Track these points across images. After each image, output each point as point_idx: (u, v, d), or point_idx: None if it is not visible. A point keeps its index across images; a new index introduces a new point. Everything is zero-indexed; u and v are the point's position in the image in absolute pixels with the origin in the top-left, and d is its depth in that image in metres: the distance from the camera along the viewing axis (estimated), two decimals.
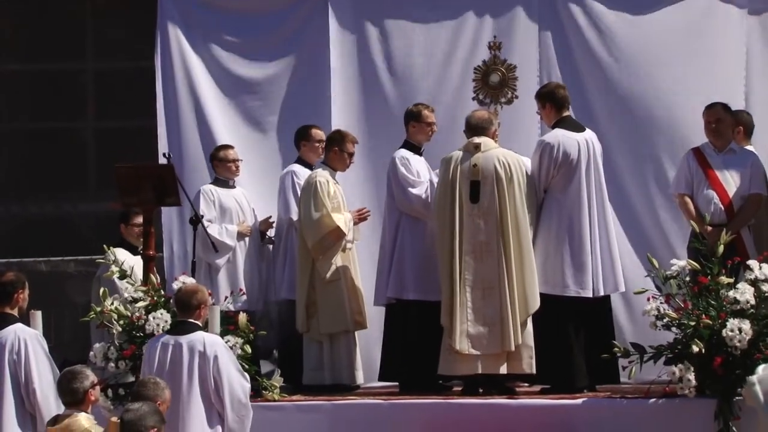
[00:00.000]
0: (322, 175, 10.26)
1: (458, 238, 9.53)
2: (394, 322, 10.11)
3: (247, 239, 10.72)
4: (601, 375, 9.62)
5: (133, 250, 10.53)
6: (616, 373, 9.53)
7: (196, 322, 8.55)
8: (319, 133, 10.65)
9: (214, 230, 10.47)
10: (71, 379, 7.51)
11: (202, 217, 10.44)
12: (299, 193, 10.41)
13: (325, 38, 11.09)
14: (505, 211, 9.54)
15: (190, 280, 9.53)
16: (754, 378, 2.30)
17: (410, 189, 10.07)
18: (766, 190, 9.91)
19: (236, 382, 8.43)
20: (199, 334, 8.46)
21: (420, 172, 10.13)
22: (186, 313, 8.55)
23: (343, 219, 10.18)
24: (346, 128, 10.74)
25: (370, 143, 10.94)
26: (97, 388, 7.61)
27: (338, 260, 10.19)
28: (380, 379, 10.21)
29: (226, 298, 10.13)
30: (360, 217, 10.38)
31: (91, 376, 7.52)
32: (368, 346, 10.56)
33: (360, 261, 10.60)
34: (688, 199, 9.95)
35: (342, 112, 11.00)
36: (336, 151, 10.30)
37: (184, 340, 8.42)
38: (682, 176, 10.05)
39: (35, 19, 11.99)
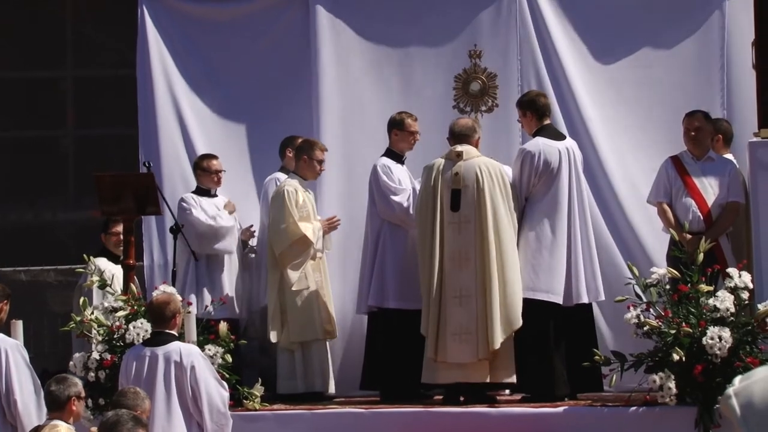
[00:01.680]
0: (290, 183, 10.27)
1: (438, 245, 9.53)
2: (375, 331, 10.10)
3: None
4: (584, 383, 9.62)
5: (115, 259, 10.51)
6: (599, 381, 9.53)
7: (172, 332, 8.52)
8: None
9: (202, 217, 10.42)
10: (59, 382, 7.44)
11: (182, 226, 10.41)
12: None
13: (307, 48, 11.08)
14: (485, 219, 9.54)
15: (170, 290, 9.51)
16: (730, 391, 2.33)
17: (392, 197, 10.06)
18: (744, 198, 9.93)
19: (214, 391, 8.40)
20: (175, 345, 8.44)
21: (402, 180, 10.13)
22: (161, 324, 8.52)
23: (311, 228, 10.17)
24: (329, 136, 10.75)
25: (352, 151, 10.93)
26: (82, 401, 7.53)
27: (308, 269, 10.18)
28: (362, 387, 10.20)
29: (207, 307, 10.11)
30: (330, 226, 10.38)
31: (77, 386, 7.45)
32: (350, 355, 10.55)
33: (343, 269, 10.60)
34: (666, 207, 9.97)
35: (324, 120, 10.99)
36: (305, 159, 10.31)
37: (161, 351, 8.40)
38: (660, 184, 10.06)
39: (15, 27, 11.94)
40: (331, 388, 10.23)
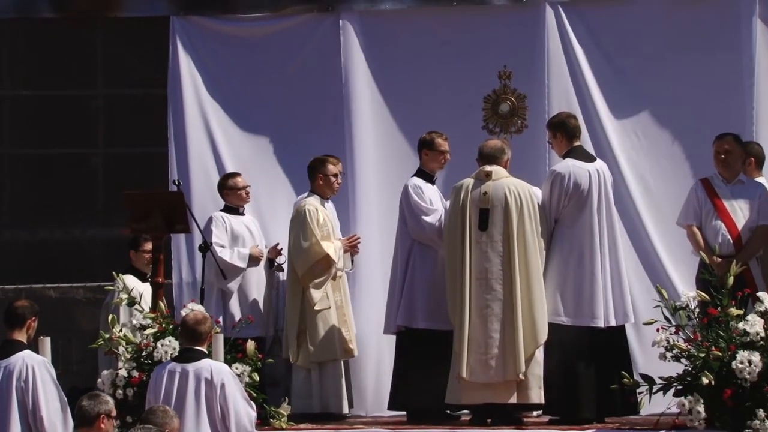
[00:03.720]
0: (311, 203, 10.29)
1: (467, 265, 9.52)
2: (404, 351, 10.08)
3: (260, 265, 10.70)
4: (618, 406, 9.54)
5: (142, 277, 10.54)
6: (634, 405, 9.44)
7: (202, 349, 8.52)
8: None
9: (225, 254, 10.47)
10: (91, 398, 7.41)
11: (212, 244, 10.44)
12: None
13: (337, 68, 11.11)
14: (513, 239, 9.53)
15: (198, 308, 9.52)
16: None
17: (423, 217, 10.05)
18: None
19: (242, 410, 8.40)
20: (206, 362, 8.44)
21: (433, 200, 10.13)
22: (193, 341, 8.52)
23: (333, 247, 10.20)
24: (360, 156, 10.78)
25: (382, 171, 10.96)
26: (112, 420, 7.50)
27: (329, 289, 10.19)
28: (390, 407, 10.18)
29: (235, 326, 10.12)
30: (351, 245, 10.40)
31: (108, 404, 7.42)
32: (377, 375, 10.53)
33: (371, 288, 10.59)
34: (696, 230, 9.94)
35: (355, 140, 11.02)
36: (320, 177, 10.35)
37: (191, 367, 8.40)
38: (690, 207, 10.04)
39: (46, 45, 12.02)
40: (345, 409, 10.21)
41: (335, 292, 10.25)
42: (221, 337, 9.07)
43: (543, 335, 9.47)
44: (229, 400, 8.33)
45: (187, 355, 8.50)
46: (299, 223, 10.25)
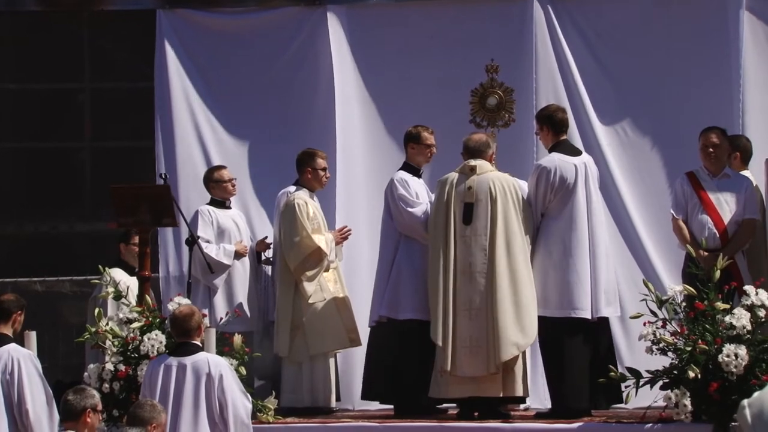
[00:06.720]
0: (300, 197, 10.30)
1: (450, 259, 9.53)
2: (382, 342, 10.06)
3: (245, 259, 10.71)
4: (607, 396, 9.57)
5: (131, 270, 10.54)
6: (620, 394, 9.47)
7: (197, 342, 8.52)
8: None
9: (211, 250, 10.47)
10: (76, 392, 7.42)
11: (198, 238, 10.43)
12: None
13: (324, 61, 11.11)
14: (497, 233, 9.54)
15: (185, 301, 9.52)
16: (745, 401, 2.38)
17: (409, 209, 10.06)
18: (761, 215, 9.91)
19: (239, 402, 8.39)
20: (202, 355, 8.43)
21: (419, 194, 10.14)
22: (185, 335, 8.51)
23: (324, 239, 10.21)
24: (347, 150, 10.78)
25: (370, 165, 10.97)
26: (97, 414, 7.49)
27: (322, 280, 10.20)
28: (363, 398, 10.16)
29: (222, 319, 10.12)
30: (342, 237, 10.41)
31: (94, 398, 7.42)
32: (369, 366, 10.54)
33: (359, 281, 10.60)
34: (682, 224, 9.95)
35: (342, 133, 11.03)
36: (309, 171, 10.37)
37: (188, 360, 8.38)
38: (676, 201, 10.05)
39: (33, 39, 12.00)
40: (332, 402, 10.22)
41: (330, 282, 10.26)
42: (213, 330, 9.06)
43: (531, 336, 9.43)
44: (227, 392, 8.33)
45: (182, 349, 8.47)
46: (289, 217, 10.25)
